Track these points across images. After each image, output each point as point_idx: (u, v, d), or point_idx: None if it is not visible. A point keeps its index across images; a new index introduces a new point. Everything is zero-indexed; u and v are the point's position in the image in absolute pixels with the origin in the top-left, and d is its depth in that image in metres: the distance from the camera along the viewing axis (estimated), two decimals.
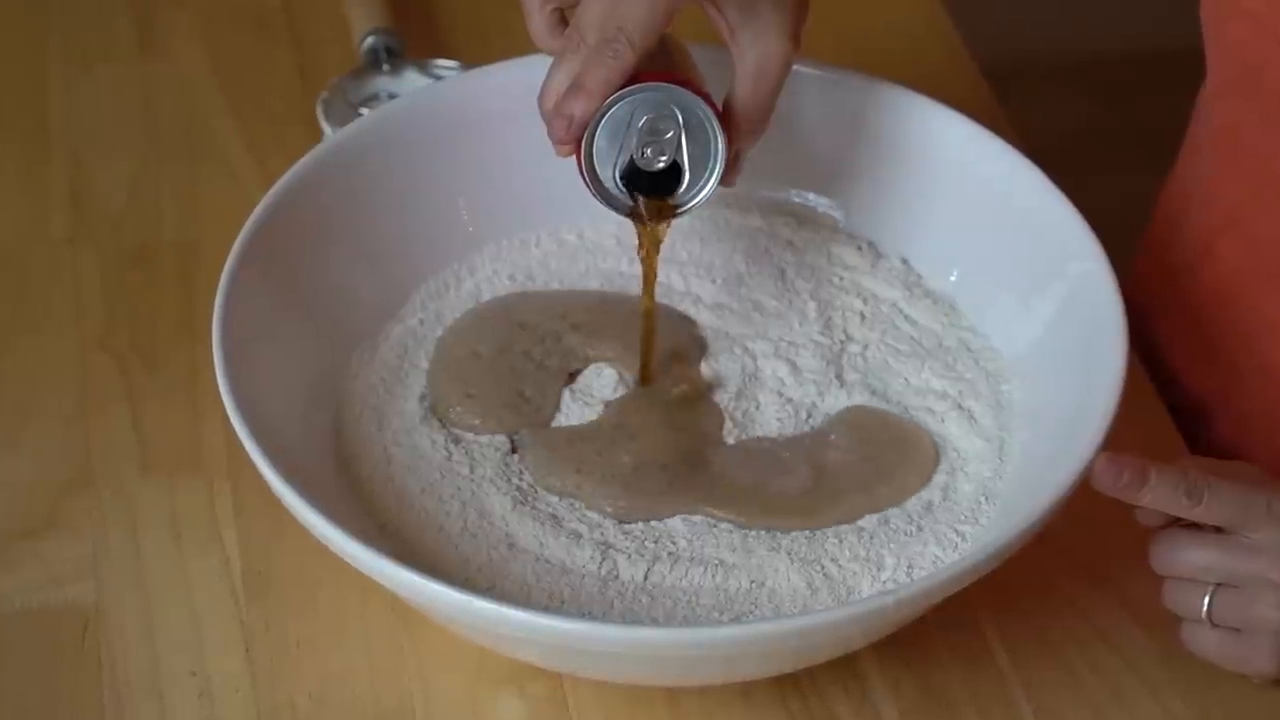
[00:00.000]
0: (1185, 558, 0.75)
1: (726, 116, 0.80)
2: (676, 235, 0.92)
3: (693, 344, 0.88)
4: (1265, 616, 0.74)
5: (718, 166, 0.80)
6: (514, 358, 0.87)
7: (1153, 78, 1.65)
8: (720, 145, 0.80)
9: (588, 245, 0.93)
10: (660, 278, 0.90)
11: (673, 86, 0.79)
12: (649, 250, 0.83)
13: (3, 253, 0.99)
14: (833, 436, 0.84)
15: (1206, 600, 0.75)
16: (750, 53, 0.79)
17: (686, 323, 0.90)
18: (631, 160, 0.80)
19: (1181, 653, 0.78)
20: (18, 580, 0.84)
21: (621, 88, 0.78)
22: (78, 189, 1.03)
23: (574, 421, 0.84)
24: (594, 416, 0.85)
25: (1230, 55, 0.89)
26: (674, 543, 0.79)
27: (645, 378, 0.86)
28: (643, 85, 0.78)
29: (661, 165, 0.80)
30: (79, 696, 0.80)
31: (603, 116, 0.78)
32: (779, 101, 0.81)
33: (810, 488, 0.81)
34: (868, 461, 0.82)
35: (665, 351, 0.87)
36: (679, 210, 0.81)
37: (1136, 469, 0.73)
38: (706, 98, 0.79)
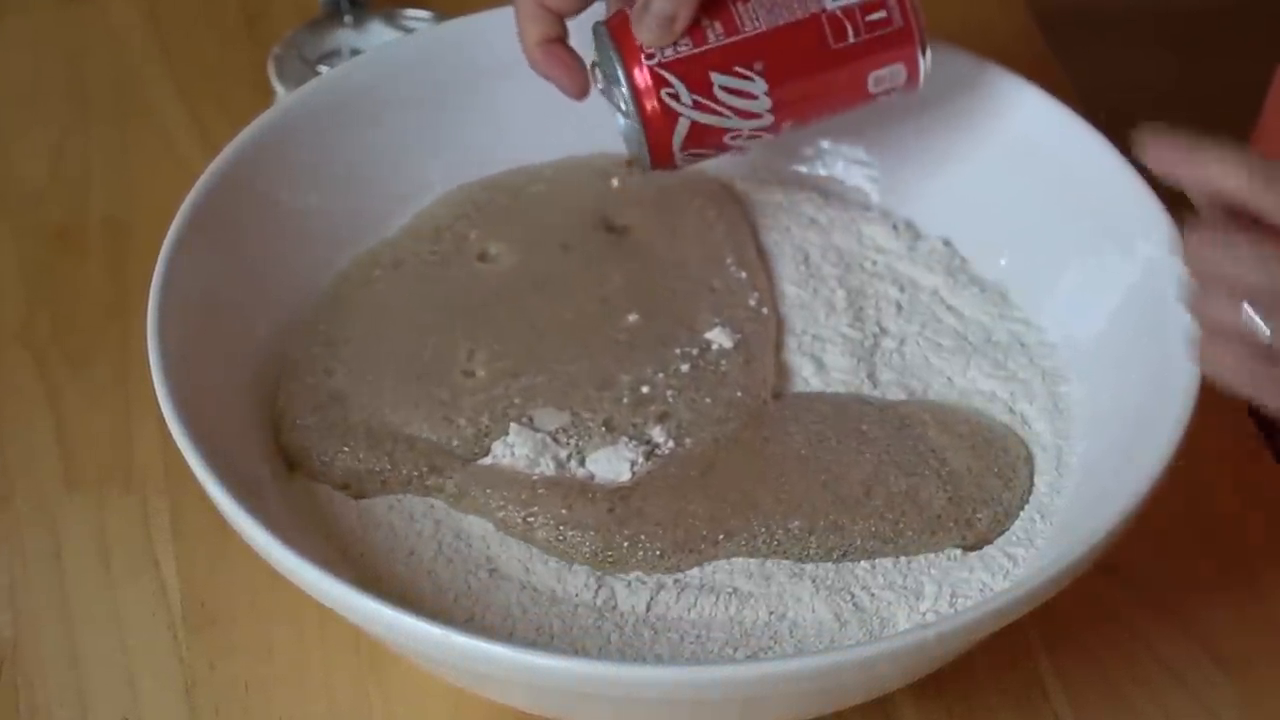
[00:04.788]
0: (1233, 253, 0.68)
1: None
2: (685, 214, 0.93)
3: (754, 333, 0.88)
4: None
5: (639, 135, 0.82)
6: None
7: (1237, 29, 1.65)
8: (629, 104, 0.81)
9: None
10: None
11: (602, 33, 0.81)
12: None
13: None
14: (930, 433, 0.83)
15: (1247, 311, 0.68)
16: None
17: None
18: None
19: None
20: None
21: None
22: None
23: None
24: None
25: None
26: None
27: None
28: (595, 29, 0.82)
29: (620, 109, 0.82)
30: None
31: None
32: None
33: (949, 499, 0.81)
34: (981, 460, 0.83)
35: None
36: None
37: (1187, 143, 0.68)
38: (630, 50, 0.80)
